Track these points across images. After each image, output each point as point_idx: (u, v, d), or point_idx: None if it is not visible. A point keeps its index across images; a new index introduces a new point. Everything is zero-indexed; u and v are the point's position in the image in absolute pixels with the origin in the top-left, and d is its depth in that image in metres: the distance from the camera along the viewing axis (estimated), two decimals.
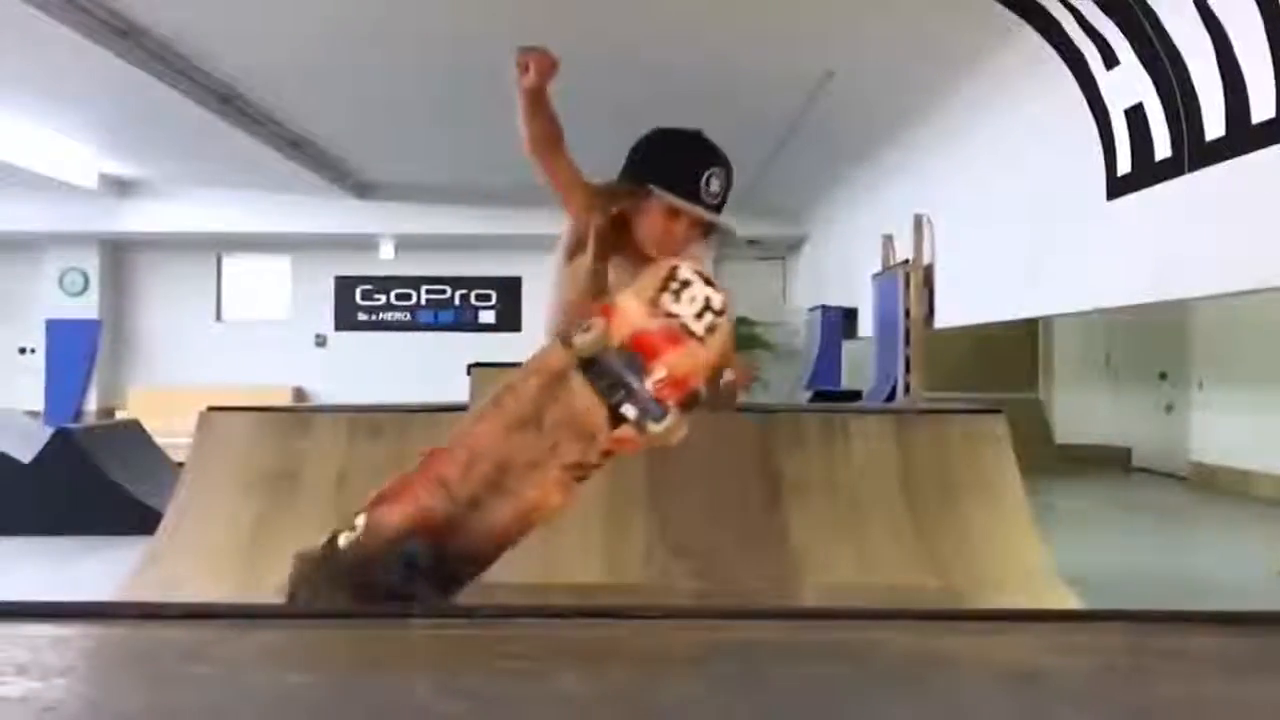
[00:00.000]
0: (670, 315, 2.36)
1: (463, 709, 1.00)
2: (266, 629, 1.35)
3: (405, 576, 2.29)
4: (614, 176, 2.93)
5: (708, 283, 2.42)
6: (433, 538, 2.34)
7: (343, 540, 2.44)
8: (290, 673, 1.15)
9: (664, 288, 2.38)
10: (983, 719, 1.01)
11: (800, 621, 1.45)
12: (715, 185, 2.80)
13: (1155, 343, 12.57)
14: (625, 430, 2.33)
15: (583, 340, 2.33)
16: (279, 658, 1.21)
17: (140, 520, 6.29)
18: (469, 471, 2.36)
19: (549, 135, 2.75)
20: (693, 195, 2.77)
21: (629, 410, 2.32)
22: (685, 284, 2.39)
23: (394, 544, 2.34)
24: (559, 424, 2.36)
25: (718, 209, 2.84)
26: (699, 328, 2.36)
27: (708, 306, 2.38)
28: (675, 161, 2.85)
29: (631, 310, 2.39)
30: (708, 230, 2.90)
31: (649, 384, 2.33)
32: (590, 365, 2.35)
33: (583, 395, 2.33)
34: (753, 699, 1.04)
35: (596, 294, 2.73)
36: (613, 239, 2.84)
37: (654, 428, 2.34)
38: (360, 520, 2.48)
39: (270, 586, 4.70)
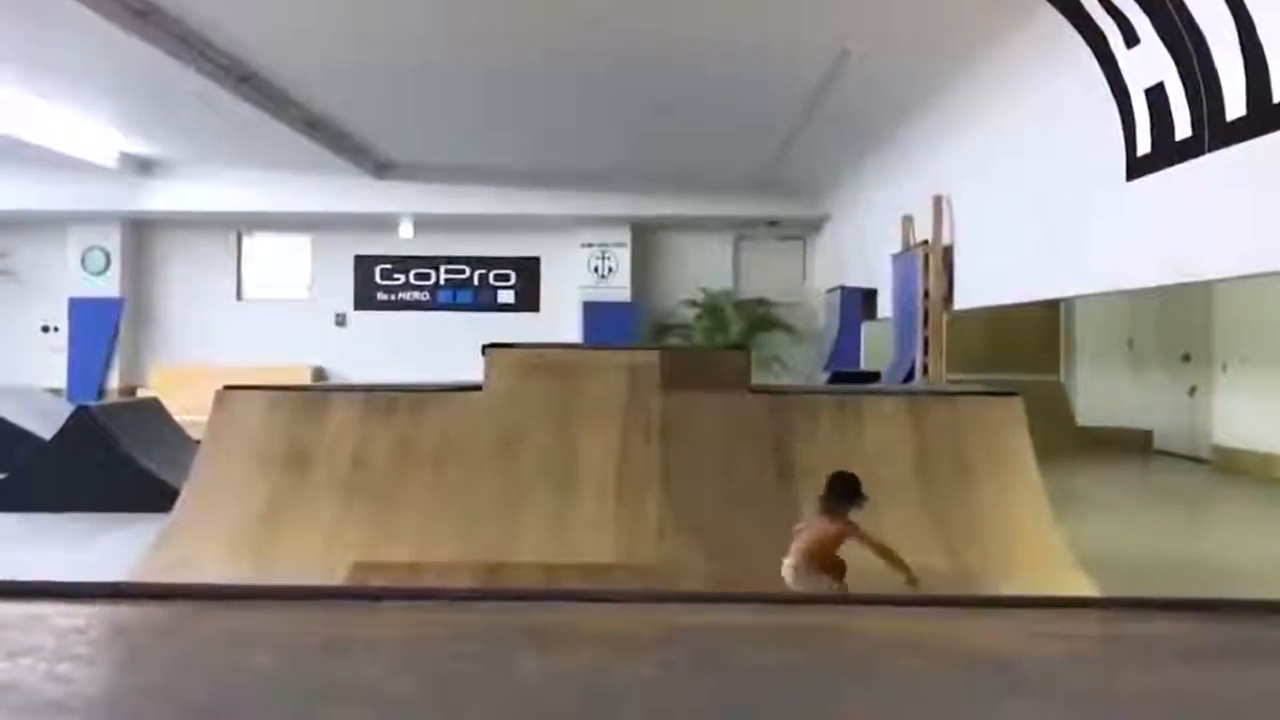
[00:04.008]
0: None
1: (411, 689, 1.00)
2: (231, 609, 1.36)
3: None
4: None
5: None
6: None
7: None
8: (249, 653, 1.15)
9: None
10: (939, 706, 1.00)
11: (768, 606, 1.44)
12: None
13: (1179, 325, 12.45)
14: None
15: None
16: (241, 637, 1.22)
17: (159, 497, 6.35)
18: None
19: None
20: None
21: None
22: None
23: None
24: None
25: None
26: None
27: None
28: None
29: None
30: None
31: None
32: None
33: None
34: (707, 681, 1.04)
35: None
36: None
37: None
38: None
39: (284, 562, 4.74)
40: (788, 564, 4.24)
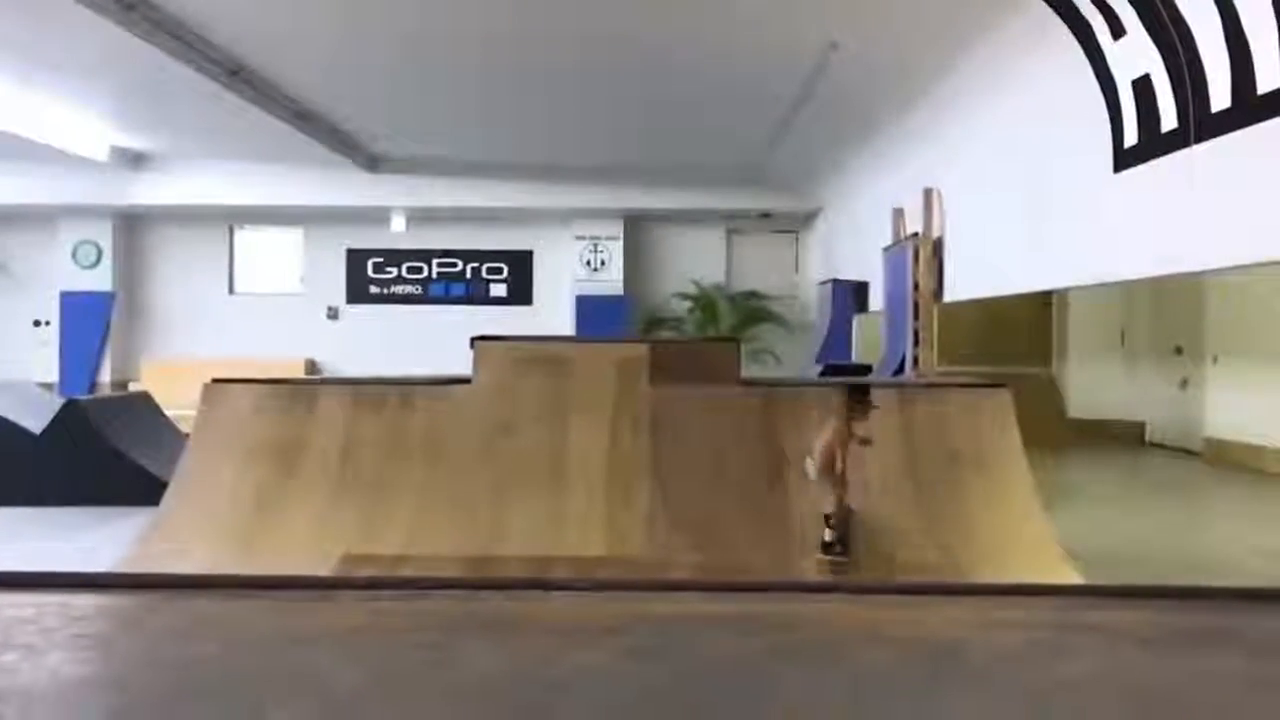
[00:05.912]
0: None
1: (360, 679, 1.00)
2: (188, 599, 1.36)
3: None
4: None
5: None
6: None
7: None
8: (200, 644, 1.16)
9: None
10: (886, 692, 1.01)
11: (727, 594, 1.45)
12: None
13: (1170, 317, 12.47)
14: None
15: None
16: (193, 628, 1.22)
17: (149, 491, 6.33)
18: None
19: None
20: None
21: None
22: None
23: None
24: None
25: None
26: None
27: None
28: None
29: None
30: None
31: None
32: None
33: None
34: (661, 668, 1.04)
35: None
36: None
37: None
38: None
39: (272, 555, 4.74)
40: (809, 462, 5.05)
